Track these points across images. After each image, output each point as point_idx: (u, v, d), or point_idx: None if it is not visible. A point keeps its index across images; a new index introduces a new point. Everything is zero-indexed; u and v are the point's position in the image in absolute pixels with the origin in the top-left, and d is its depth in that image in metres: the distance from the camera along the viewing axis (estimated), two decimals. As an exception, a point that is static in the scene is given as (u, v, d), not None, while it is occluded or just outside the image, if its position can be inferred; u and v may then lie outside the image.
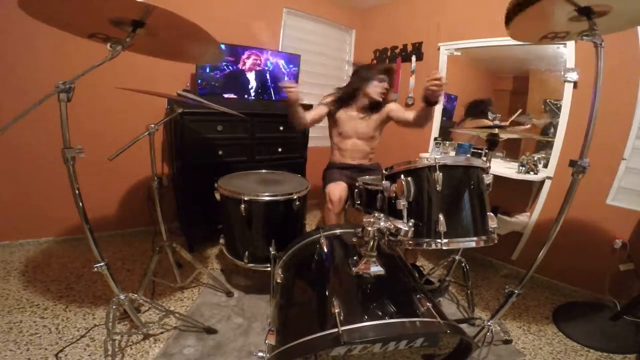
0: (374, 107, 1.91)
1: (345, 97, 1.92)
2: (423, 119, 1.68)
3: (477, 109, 2.40)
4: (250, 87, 2.41)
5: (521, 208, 2.13)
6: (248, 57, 2.35)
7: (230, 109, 1.60)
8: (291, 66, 2.57)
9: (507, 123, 2.11)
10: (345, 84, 1.99)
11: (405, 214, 1.13)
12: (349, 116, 1.92)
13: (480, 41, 2.29)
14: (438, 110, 2.60)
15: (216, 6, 2.36)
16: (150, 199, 1.81)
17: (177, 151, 2.10)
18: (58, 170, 1.07)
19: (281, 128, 2.35)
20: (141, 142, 1.36)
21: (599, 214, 1.81)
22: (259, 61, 2.40)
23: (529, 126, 2.12)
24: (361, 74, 1.90)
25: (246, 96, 2.42)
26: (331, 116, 1.97)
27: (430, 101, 1.49)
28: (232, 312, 1.58)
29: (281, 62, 2.51)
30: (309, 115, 1.86)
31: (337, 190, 1.73)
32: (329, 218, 1.73)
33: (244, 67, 2.35)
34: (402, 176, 1.13)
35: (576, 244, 1.87)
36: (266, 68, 2.44)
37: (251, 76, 2.40)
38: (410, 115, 1.78)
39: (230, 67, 2.29)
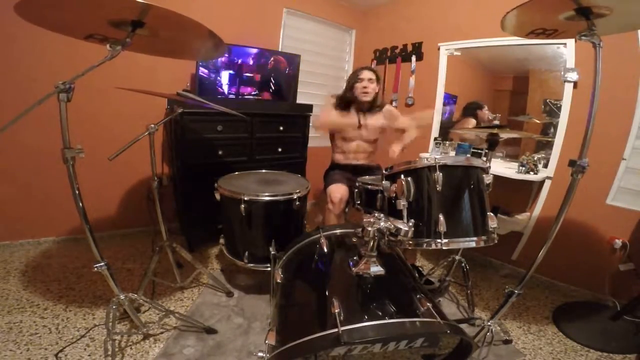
0: (370, 108, 1.92)
1: (342, 104, 1.93)
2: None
3: (469, 110, 2.45)
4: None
5: (521, 208, 2.13)
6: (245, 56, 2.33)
7: (230, 109, 1.60)
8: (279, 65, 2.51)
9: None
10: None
11: (405, 214, 1.12)
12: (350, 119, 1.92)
13: (480, 41, 2.29)
14: (438, 110, 2.60)
15: (216, 6, 2.36)
16: (150, 199, 1.81)
17: (177, 151, 2.10)
18: (58, 170, 1.07)
19: (281, 128, 2.35)
20: (141, 142, 1.36)
21: (599, 214, 1.81)
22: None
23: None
24: (348, 80, 1.96)
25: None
26: None
27: None
28: (232, 312, 1.58)
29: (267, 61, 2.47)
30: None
31: (339, 191, 1.74)
32: (329, 219, 1.73)
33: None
34: (402, 176, 1.13)
35: (576, 244, 1.87)
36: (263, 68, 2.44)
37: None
38: (404, 135, 1.90)
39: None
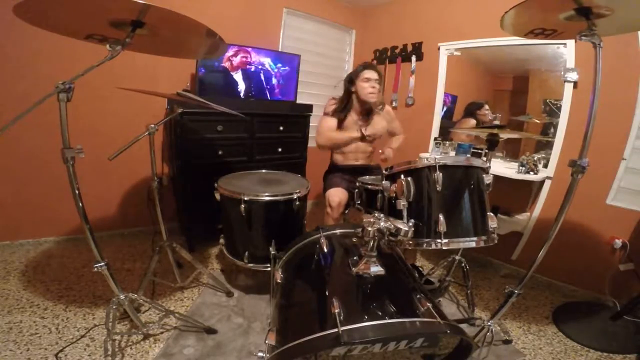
0: (371, 110, 1.92)
1: (342, 107, 1.90)
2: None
3: (468, 110, 2.46)
4: (238, 88, 2.35)
5: (521, 208, 2.13)
6: (235, 55, 2.26)
7: (230, 109, 1.60)
8: (279, 65, 2.48)
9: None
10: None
11: (405, 214, 1.13)
12: (352, 121, 1.91)
13: (480, 41, 2.29)
14: (438, 110, 2.60)
15: (216, 6, 2.36)
16: (150, 199, 1.81)
17: (177, 151, 2.10)
18: (58, 170, 1.07)
19: (281, 128, 2.35)
20: (141, 142, 1.36)
21: (599, 214, 1.81)
22: (248, 59, 2.32)
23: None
24: (349, 79, 1.88)
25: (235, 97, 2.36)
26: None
27: None
28: (232, 312, 1.58)
29: (267, 61, 2.42)
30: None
31: (337, 195, 1.74)
32: (327, 222, 1.74)
33: (229, 66, 2.26)
34: (402, 176, 1.13)
35: (576, 244, 1.86)
36: (259, 67, 2.39)
37: (238, 76, 2.32)
38: (393, 139, 2.07)
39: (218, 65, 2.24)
